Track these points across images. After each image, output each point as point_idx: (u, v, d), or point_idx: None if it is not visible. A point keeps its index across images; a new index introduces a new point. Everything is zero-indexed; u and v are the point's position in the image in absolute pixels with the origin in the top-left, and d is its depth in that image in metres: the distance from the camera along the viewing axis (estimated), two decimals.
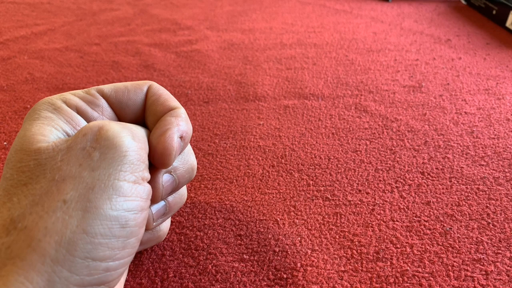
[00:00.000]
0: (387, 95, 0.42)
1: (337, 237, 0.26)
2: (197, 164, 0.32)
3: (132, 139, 0.18)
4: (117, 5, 0.74)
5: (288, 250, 0.25)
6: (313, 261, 0.24)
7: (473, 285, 0.23)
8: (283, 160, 0.33)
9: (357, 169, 0.32)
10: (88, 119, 0.20)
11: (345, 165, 0.32)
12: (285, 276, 0.23)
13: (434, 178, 0.31)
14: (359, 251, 0.25)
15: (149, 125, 0.21)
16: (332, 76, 0.47)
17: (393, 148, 0.34)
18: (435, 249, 0.25)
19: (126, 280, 0.23)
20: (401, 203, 0.28)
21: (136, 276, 0.23)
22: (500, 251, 0.25)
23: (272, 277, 0.23)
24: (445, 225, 0.26)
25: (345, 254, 0.25)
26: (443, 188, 0.30)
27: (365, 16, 0.67)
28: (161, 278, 0.23)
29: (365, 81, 0.45)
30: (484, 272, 0.23)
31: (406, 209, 0.28)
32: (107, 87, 0.21)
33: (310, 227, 0.27)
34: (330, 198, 0.29)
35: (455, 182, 0.30)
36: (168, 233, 0.26)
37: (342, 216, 0.27)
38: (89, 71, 0.48)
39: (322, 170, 0.32)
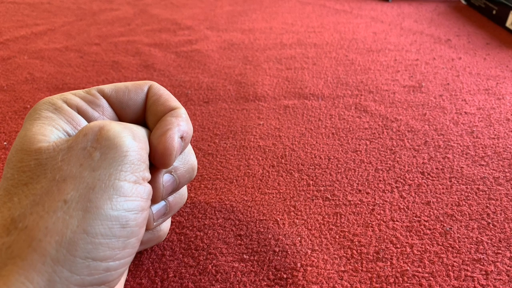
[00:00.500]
0: (387, 95, 0.42)
1: (337, 237, 0.26)
2: (197, 164, 0.32)
3: (132, 139, 0.18)
4: (117, 5, 0.74)
5: (288, 250, 0.25)
6: (313, 261, 0.24)
7: (473, 285, 0.23)
8: (283, 160, 0.33)
9: (357, 169, 0.32)
10: (88, 119, 0.20)
11: (345, 165, 0.32)
12: (285, 276, 0.23)
13: (434, 178, 0.31)
14: (359, 251, 0.25)
15: (149, 125, 0.21)
16: (332, 76, 0.47)
17: (393, 148, 0.34)
18: (435, 249, 0.25)
19: (126, 280, 0.23)
20: (401, 203, 0.28)
21: (136, 276, 0.23)
22: (500, 251, 0.25)
23: (272, 277, 0.23)
24: (445, 225, 0.26)
25: (345, 254, 0.25)
26: (443, 188, 0.30)
27: (365, 16, 0.67)
28: (161, 278, 0.23)
29: (365, 81, 0.45)
30: (484, 272, 0.23)
31: (406, 209, 0.28)
32: (107, 87, 0.21)
33: (310, 227, 0.27)
34: (330, 198, 0.29)
35: (455, 182, 0.30)
36: (168, 233, 0.26)
37: (342, 216, 0.27)
38: (89, 71, 0.48)
39: (322, 170, 0.32)
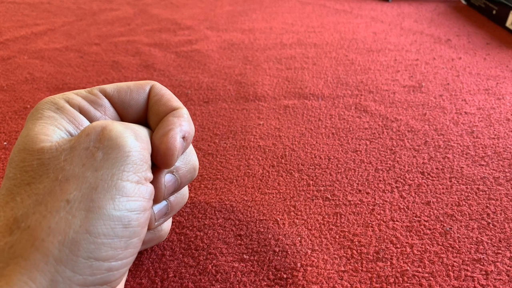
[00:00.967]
0: (387, 95, 0.42)
1: (337, 237, 0.26)
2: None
3: (135, 139, 0.18)
4: (117, 5, 0.74)
5: (288, 250, 0.25)
6: (313, 261, 0.24)
7: (473, 285, 0.23)
8: (283, 160, 0.33)
9: (357, 169, 0.32)
10: (90, 118, 0.20)
11: (345, 165, 0.32)
12: (285, 276, 0.23)
13: (434, 178, 0.31)
14: (359, 251, 0.25)
15: (151, 125, 0.21)
16: (332, 76, 0.47)
17: (393, 148, 0.34)
18: (435, 249, 0.25)
19: (126, 280, 0.23)
20: (401, 203, 0.28)
21: (136, 276, 0.23)
22: (500, 251, 0.25)
23: (272, 277, 0.23)
24: (445, 225, 0.26)
25: (345, 254, 0.25)
26: (443, 188, 0.30)
27: (365, 16, 0.67)
28: (161, 278, 0.23)
29: (365, 81, 0.45)
30: (484, 272, 0.23)
31: (406, 209, 0.28)
32: (109, 87, 0.21)
33: (310, 227, 0.27)
34: (330, 198, 0.29)
35: (455, 182, 0.30)
36: (168, 233, 0.26)
37: (342, 216, 0.27)
38: (89, 71, 0.48)
39: (322, 170, 0.32)
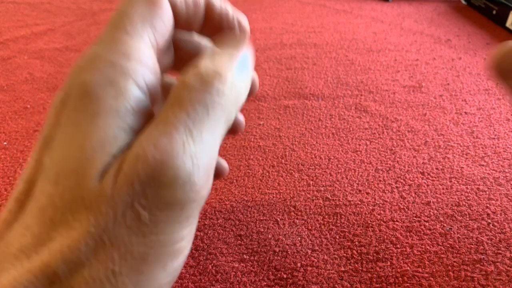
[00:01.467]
0: (387, 95, 0.42)
1: (337, 237, 0.26)
2: None
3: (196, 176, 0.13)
4: (117, 5, 0.74)
5: (288, 250, 0.25)
6: (313, 261, 0.24)
7: (473, 285, 0.23)
8: (283, 160, 0.33)
9: (357, 169, 0.32)
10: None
11: (345, 165, 0.32)
12: (285, 276, 0.23)
13: (434, 178, 0.31)
14: (359, 251, 0.25)
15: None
16: (332, 76, 0.47)
17: (393, 148, 0.34)
18: (435, 249, 0.25)
19: None
20: (401, 203, 0.28)
21: None
22: (500, 251, 0.25)
23: (272, 277, 0.23)
24: (445, 225, 0.26)
25: (345, 254, 0.25)
26: (443, 188, 0.30)
27: (365, 16, 0.67)
28: None
29: (365, 81, 0.45)
30: (484, 272, 0.23)
31: (406, 209, 0.28)
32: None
33: (310, 227, 0.27)
34: (330, 198, 0.29)
35: (455, 182, 0.30)
36: None
37: (342, 216, 0.27)
38: None
39: (322, 170, 0.32)
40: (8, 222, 0.13)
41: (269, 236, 0.26)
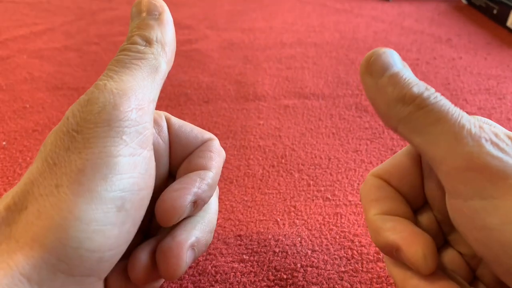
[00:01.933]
0: None
1: (338, 237, 0.26)
2: None
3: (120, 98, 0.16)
4: (116, 4, 0.74)
5: (288, 251, 0.25)
6: (313, 261, 0.24)
7: None
8: (283, 160, 0.33)
9: (357, 169, 0.32)
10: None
11: (345, 165, 0.32)
12: (285, 276, 0.23)
13: None
14: (359, 251, 0.25)
15: (179, 172, 0.21)
16: (333, 76, 0.47)
17: (394, 148, 0.34)
18: None
19: None
20: None
21: None
22: None
23: (272, 278, 0.23)
24: None
25: (345, 255, 0.24)
26: None
27: (365, 16, 0.67)
28: None
29: None
30: None
31: None
32: (175, 118, 0.21)
33: (310, 228, 0.26)
34: (330, 198, 0.29)
35: None
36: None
37: (343, 216, 0.27)
38: (89, 70, 0.48)
39: (323, 170, 0.32)
40: None
41: (269, 236, 0.26)
